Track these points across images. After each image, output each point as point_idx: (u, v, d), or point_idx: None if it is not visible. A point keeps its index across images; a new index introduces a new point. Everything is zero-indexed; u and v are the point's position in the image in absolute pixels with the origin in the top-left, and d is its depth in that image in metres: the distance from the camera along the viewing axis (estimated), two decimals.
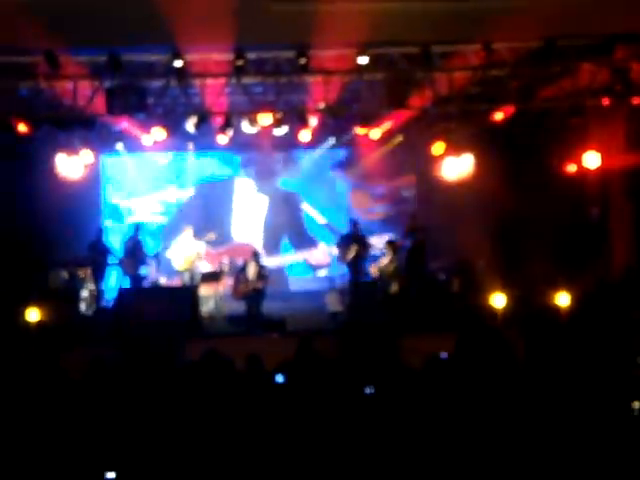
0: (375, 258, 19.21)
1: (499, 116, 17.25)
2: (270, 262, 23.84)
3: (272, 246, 24.94)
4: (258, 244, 24.32)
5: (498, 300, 16.22)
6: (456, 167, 21.38)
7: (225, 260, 21.24)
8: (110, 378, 9.38)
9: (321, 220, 25.17)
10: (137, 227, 19.04)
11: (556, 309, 15.95)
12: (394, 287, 17.96)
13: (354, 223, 20.02)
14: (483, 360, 9.96)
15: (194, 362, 9.68)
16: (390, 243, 19.00)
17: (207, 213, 24.09)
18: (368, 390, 8.82)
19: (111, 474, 6.29)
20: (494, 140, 19.28)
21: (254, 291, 17.91)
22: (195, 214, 23.63)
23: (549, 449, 6.61)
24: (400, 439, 6.82)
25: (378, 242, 21.17)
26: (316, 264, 24.64)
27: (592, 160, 17.73)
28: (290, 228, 25.13)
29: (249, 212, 25.07)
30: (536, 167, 18.80)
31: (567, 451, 6.58)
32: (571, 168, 18.25)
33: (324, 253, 24.46)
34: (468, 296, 17.31)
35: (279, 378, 9.22)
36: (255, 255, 18.58)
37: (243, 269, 18.25)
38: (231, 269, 20.41)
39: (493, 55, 15.97)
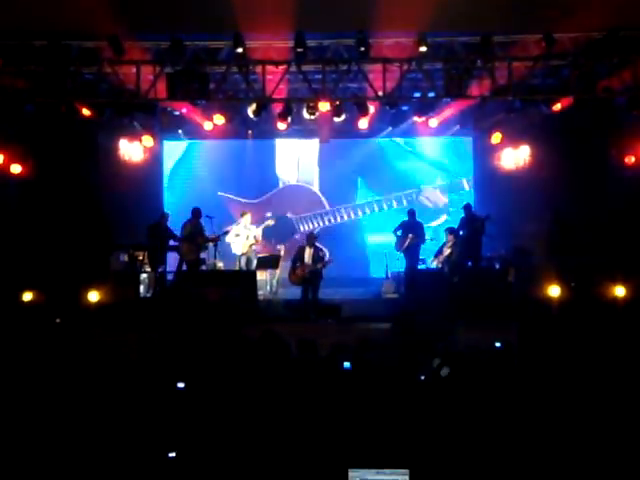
0: (439, 250, 19.19)
1: (558, 107, 17.16)
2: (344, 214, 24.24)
3: (342, 194, 24.75)
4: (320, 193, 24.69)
5: (554, 291, 16.17)
6: (514, 157, 21.37)
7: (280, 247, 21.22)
8: (167, 359, 9.54)
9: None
10: (196, 211, 19.10)
11: (613, 300, 15.86)
12: (455, 277, 17.99)
13: (411, 212, 20.03)
14: (541, 350, 9.99)
15: (252, 342, 9.81)
16: (451, 231, 19.02)
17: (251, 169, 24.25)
18: (422, 377, 8.89)
19: (172, 453, 6.41)
20: (552, 131, 19.18)
21: (312, 274, 17.92)
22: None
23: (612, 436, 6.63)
24: (452, 425, 6.90)
25: None
26: (433, 203, 24.15)
27: None
28: (363, 168, 24.64)
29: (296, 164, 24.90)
30: (594, 158, 18.64)
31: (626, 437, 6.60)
32: (629, 160, 18.09)
33: (435, 192, 24.16)
34: (524, 286, 17.24)
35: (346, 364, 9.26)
36: (310, 238, 18.61)
37: (299, 254, 18.29)
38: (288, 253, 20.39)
39: (554, 45, 15.90)
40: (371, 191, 24.65)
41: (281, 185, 24.69)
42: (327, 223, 24.42)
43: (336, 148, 23.56)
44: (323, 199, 24.61)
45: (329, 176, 24.54)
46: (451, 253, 18.41)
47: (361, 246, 24.46)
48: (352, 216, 24.50)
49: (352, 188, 24.69)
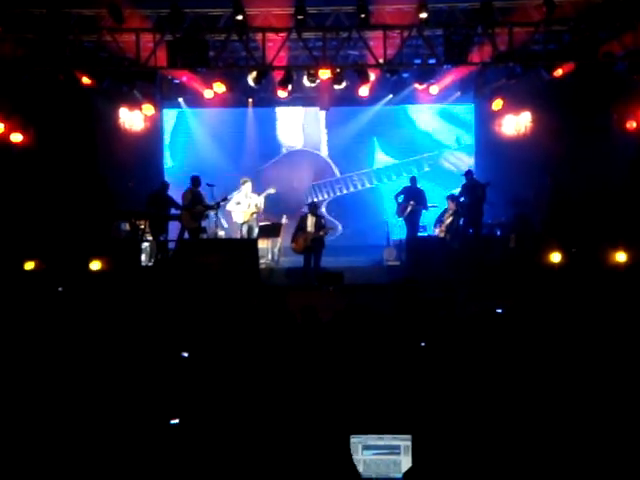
0: (440, 218, 19.12)
1: (559, 72, 17.11)
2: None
3: (355, 160, 24.01)
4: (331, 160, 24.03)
5: (555, 257, 16.18)
6: (515, 123, 21.33)
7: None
8: (169, 327, 9.57)
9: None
10: (195, 179, 19.05)
11: (614, 266, 15.87)
12: (456, 244, 17.98)
13: (412, 178, 20.01)
14: (539, 316, 10.03)
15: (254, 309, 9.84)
16: (452, 198, 18.97)
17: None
18: (423, 343, 8.92)
19: (175, 420, 6.44)
20: (554, 96, 19.13)
21: (314, 242, 17.94)
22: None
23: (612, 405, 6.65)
24: (454, 391, 6.94)
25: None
26: (456, 167, 23.19)
27: None
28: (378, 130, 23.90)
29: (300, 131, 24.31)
30: (595, 123, 18.58)
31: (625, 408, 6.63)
32: (631, 125, 18.03)
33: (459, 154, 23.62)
34: (525, 252, 17.26)
35: None
36: (312, 206, 18.62)
37: (302, 222, 18.30)
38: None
39: (554, 10, 15.83)
40: (388, 155, 23.97)
41: (284, 151, 24.32)
42: (339, 193, 23.93)
43: (344, 112, 23.14)
44: (333, 166, 24.12)
45: (339, 141, 23.95)
46: (452, 221, 18.37)
47: (382, 215, 23.13)
48: (367, 184, 23.90)
49: (365, 153, 24.07)
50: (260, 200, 19.74)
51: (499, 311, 10.56)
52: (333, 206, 23.80)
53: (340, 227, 23.22)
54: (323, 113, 23.58)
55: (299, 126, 24.27)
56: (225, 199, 19.13)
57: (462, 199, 18.96)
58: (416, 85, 19.54)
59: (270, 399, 6.75)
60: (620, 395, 6.71)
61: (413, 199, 19.31)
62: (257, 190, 20.01)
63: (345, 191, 23.92)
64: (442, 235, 18.55)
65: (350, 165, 24.03)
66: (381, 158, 24.05)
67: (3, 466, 5.73)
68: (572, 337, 8.57)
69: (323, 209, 23.05)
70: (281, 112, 24.08)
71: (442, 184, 20.61)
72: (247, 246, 18.29)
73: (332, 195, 23.89)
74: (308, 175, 24.02)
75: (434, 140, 23.92)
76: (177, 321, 10.25)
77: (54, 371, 7.56)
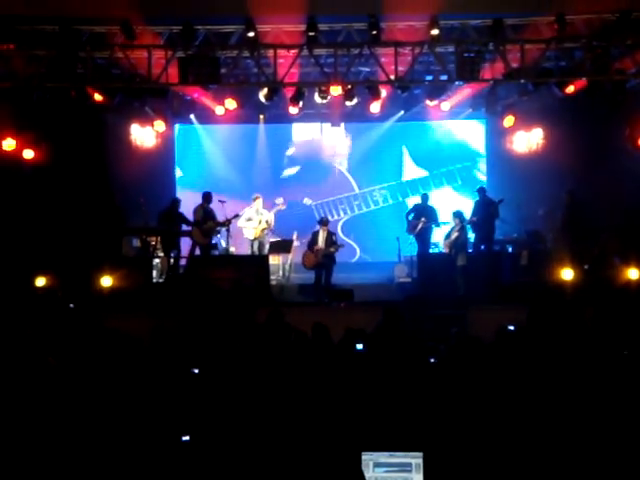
0: (447, 234, 19.00)
1: (571, 89, 17.09)
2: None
3: (377, 173, 23.14)
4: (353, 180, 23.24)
5: (567, 273, 16.12)
6: (526, 140, 21.30)
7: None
8: (180, 344, 9.55)
9: None
10: (206, 195, 19.05)
11: (626, 283, 15.80)
12: (461, 260, 17.87)
13: (424, 196, 19.95)
14: (553, 333, 9.98)
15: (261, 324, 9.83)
16: (457, 215, 18.88)
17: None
18: (432, 359, 8.90)
19: (186, 437, 6.42)
20: (565, 113, 19.12)
21: (325, 257, 17.91)
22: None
23: (621, 418, 6.61)
24: (466, 408, 6.91)
25: None
26: None
27: None
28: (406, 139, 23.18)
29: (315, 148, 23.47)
30: (607, 140, 18.55)
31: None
32: None
33: None
34: (537, 269, 17.20)
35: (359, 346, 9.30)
36: (323, 222, 18.57)
37: (313, 238, 18.27)
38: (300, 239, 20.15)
39: (566, 27, 15.84)
40: (416, 166, 23.19)
41: (300, 167, 23.75)
42: (357, 211, 23.30)
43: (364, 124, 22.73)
44: (351, 179, 23.54)
45: (360, 152, 23.32)
46: (458, 237, 18.26)
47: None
48: (390, 201, 23.19)
49: (393, 165, 23.35)
50: (271, 216, 19.72)
51: (511, 328, 10.52)
52: (349, 226, 23.13)
53: (358, 250, 22.96)
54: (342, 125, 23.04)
55: (316, 140, 23.71)
56: (236, 215, 19.11)
57: (475, 217, 18.85)
58: (427, 102, 19.52)
59: (281, 416, 6.72)
60: (636, 414, 6.68)
61: (424, 216, 19.24)
62: (267, 205, 19.98)
63: (365, 209, 23.21)
64: (447, 250, 18.45)
65: (375, 179, 23.30)
66: (411, 170, 23.20)
67: None
68: (585, 354, 8.53)
69: (338, 229, 22.65)
70: (297, 127, 23.55)
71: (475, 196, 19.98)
72: (258, 262, 18.30)
73: (349, 214, 23.29)
74: (322, 191, 23.38)
75: (471, 150, 23.50)
76: (188, 338, 10.24)
77: (64, 387, 7.55)
